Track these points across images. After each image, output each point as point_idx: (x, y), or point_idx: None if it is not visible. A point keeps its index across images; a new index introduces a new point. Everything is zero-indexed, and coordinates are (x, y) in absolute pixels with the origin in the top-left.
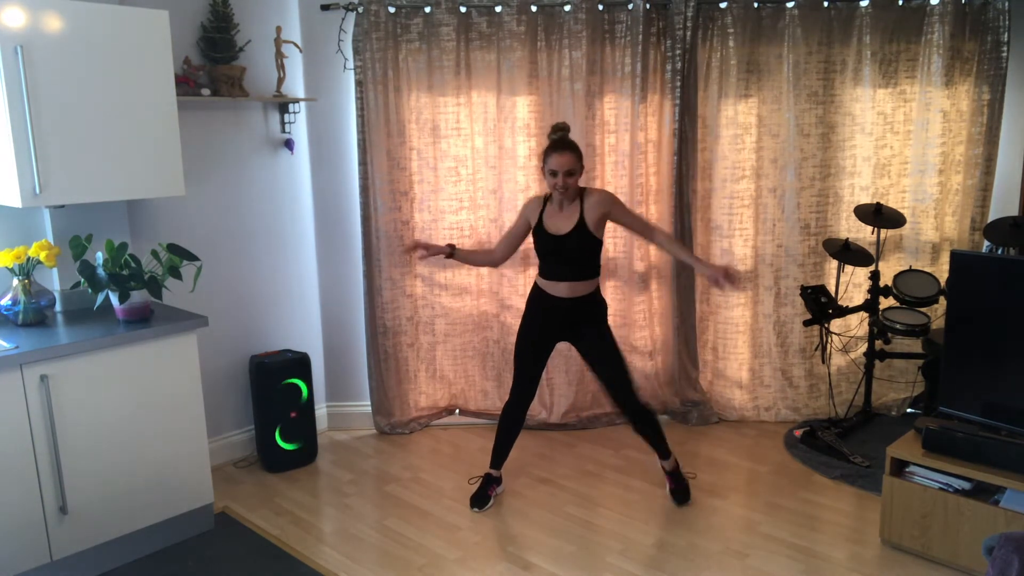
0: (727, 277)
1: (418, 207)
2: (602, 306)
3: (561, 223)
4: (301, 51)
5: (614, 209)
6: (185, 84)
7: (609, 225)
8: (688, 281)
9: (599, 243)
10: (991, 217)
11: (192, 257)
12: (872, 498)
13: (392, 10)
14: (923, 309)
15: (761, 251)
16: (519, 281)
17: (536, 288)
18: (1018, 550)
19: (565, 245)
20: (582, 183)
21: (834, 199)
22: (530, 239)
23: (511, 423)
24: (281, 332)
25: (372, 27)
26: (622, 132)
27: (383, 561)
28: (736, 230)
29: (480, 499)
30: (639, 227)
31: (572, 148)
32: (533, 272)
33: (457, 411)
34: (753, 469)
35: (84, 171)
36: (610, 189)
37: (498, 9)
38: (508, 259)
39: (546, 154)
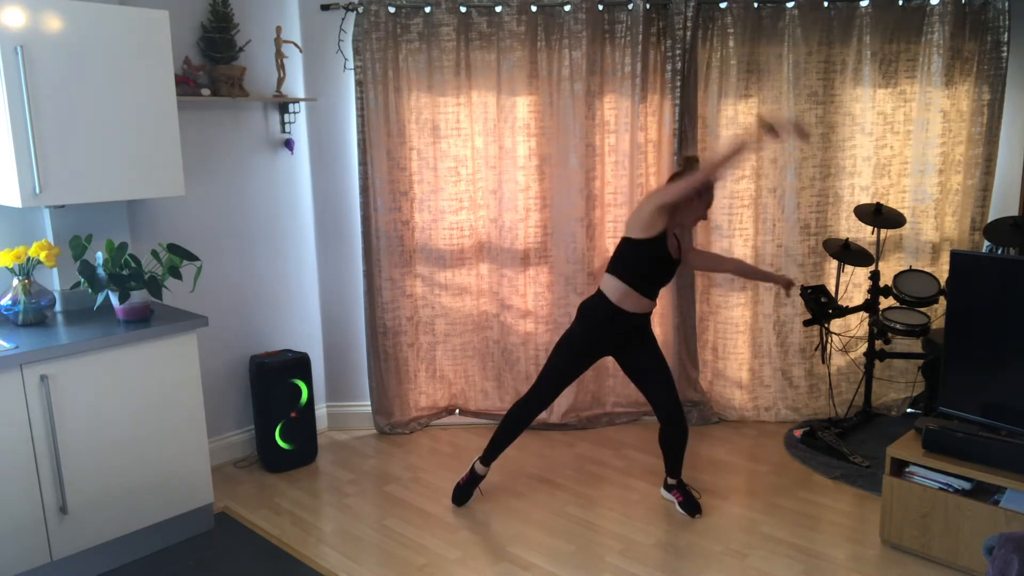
0: None
1: (418, 207)
2: (649, 320)
3: (673, 248)
4: (301, 51)
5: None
6: (185, 84)
7: (607, 226)
8: (688, 281)
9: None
10: (991, 217)
11: (192, 257)
12: (872, 498)
13: (392, 10)
14: (923, 309)
15: (761, 251)
16: (519, 281)
17: (613, 307)
18: (1018, 550)
19: (671, 268)
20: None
21: (834, 199)
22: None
23: (520, 425)
24: (281, 332)
25: (372, 27)
26: (622, 132)
27: (383, 561)
28: (736, 230)
29: (462, 496)
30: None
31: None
32: (533, 272)
33: (457, 411)
34: (753, 469)
35: (84, 171)
36: (610, 189)
37: (498, 9)
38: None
39: (709, 189)
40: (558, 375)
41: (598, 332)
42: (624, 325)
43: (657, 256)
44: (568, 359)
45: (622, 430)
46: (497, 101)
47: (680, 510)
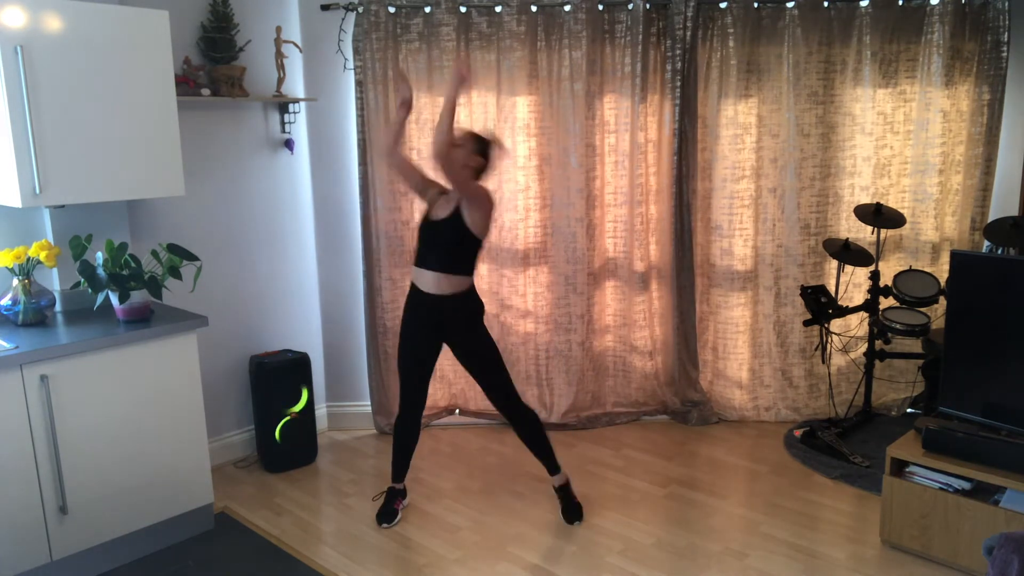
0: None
1: (418, 207)
2: (472, 309)
3: (442, 208)
4: (301, 51)
5: (476, 203)
6: (185, 84)
7: (607, 226)
8: (688, 281)
9: (475, 241)
10: (991, 217)
11: (192, 257)
12: (872, 498)
13: (392, 10)
14: (923, 309)
15: (761, 251)
16: (519, 281)
17: (411, 285)
18: (1018, 550)
19: (438, 230)
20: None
21: (834, 199)
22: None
23: (406, 435)
24: (281, 332)
25: (372, 27)
26: (622, 132)
27: (383, 561)
28: (736, 230)
29: (387, 514)
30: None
31: (471, 133)
32: (533, 272)
33: (457, 411)
34: (753, 469)
35: (84, 171)
36: (610, 189)
37: (498, 9)
38: (398, 160)
39: (465, 142)
40: (402, 373)
41: (406, 313)
42: (417, 300)
43: (422, 220)
44: (400, 352)
45: (622, 430)
46: (497, 101)
47: (560, 516)
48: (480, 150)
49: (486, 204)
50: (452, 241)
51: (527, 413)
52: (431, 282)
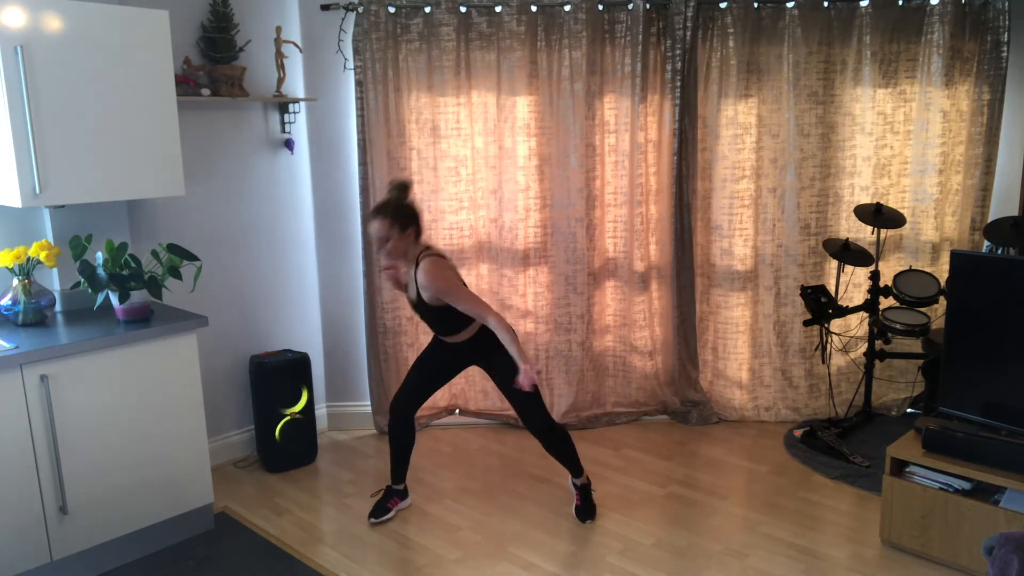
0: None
1: (418, 205)
2: (487, 343)
3: (411, 290)
4: (301, 51)
5: (440, 295)
6: (185, 84)
7: (607, 226)
8: (688, 281)
9: (448, 309)
10: (991, 217)
11: (192, 257)
12: (872, 498)
13: (392, 10)
14: (923, 309)
15: (761, 251)
16: (519, 281)
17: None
18: (1018, 550)
19: (419, 311)
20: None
21: (834, 199)
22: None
23: (397, 436)
24: (281, 332)
25: (372, 27)
26: (622, 132)
27: (383, 561)
28: (736, 230)
29: (377, 511)
30: (471, 312)
31: (383, 212)
32: (533, 272)
33: (457, 411)
34: (753, 469)
35: (84, 171)
36: (610, 189)
37: (498, 9)
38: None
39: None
40: (408, 378)
41: (431, 343)
42: (447, 349)
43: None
44: (415, 363)
45: (622, 430)
46: (497, 101)
47: (573, 513)
48: (402, 224)
49: (430, 282)
50: (430, 314)
51: (555, 431)
52: (445, 338)
